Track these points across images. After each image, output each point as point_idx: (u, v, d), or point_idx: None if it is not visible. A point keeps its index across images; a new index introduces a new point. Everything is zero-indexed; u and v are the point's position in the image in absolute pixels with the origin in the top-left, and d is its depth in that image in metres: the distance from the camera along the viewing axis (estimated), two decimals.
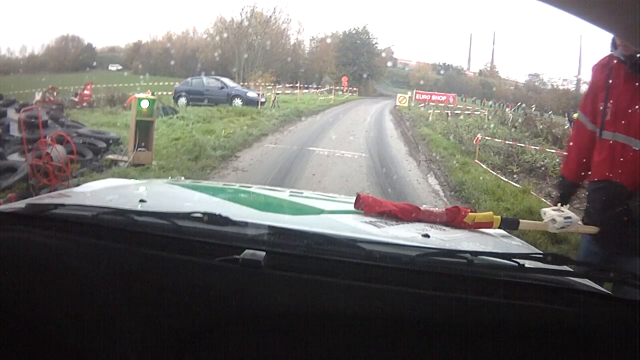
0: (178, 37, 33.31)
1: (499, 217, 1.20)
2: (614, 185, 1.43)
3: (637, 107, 1.37)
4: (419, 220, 1.12)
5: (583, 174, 1.64)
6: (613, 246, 1.42)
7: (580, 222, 1.35)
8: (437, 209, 1.20)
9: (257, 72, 27.48)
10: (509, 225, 1.23)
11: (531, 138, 10.86)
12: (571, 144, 1.75)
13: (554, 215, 1.29)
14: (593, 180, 1.55)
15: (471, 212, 1.17)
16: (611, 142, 1.45)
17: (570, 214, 1.29)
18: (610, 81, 1.48)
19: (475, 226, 1.17)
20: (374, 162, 7.38)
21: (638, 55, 1.35)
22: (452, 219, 1.16)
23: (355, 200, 1.15)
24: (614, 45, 1.48)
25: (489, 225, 1.19)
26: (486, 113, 16.79)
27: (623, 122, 1.42)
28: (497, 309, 0.69)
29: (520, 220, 1.26)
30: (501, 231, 1.26)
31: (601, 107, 1.49)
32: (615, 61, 1.49)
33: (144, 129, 5.99)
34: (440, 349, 0.67)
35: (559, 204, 1.41)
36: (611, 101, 1.46)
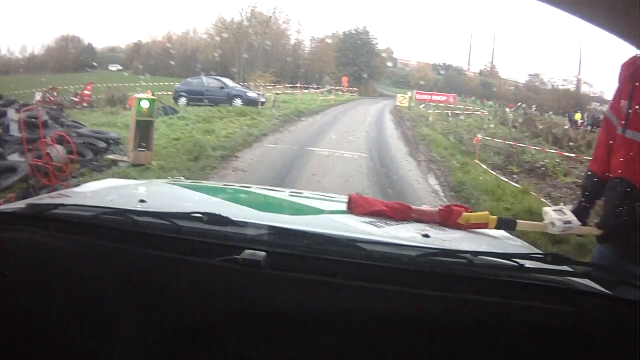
0: (178, 37, 33.29)
1: (495, 217, 1.17)
2: (626, 183, 1.43)
3: None
4: (410, 220, 1.11)
5: (608, 173, 1.60)
6: (624, 248, 1.39)
7: (580, 225, 1.31)
8: (429, 208, 1.18)
9: (257, 72, 27.44)
10: (506, 225, 1.20)
11: (531, 138, 10.86)
12: (599, 139, 1.72)
13: (554, 218, 1.26)
14: (610, 179, 1.54)
15: (466, 211, 1.14)
16: (631, 141, 1.45)
17: (571, 217, 1.26)
18: (637, 82, 1.46)
19: (470, 227, 1.14)
20: (374, 162, 7.38)
21: None
22: (445, 220, 1.12)
23: (347, 203, 1.13)
24: None
25: (484, 225, 1.16)
26: (486, 113, 16.81)
27: None
28: (497, 309, 0.69)
29: (518, 221, 1.23)
30: (501, 231, 1.26)
31: (623, 105, 1.49)
32: None
33: (144, 129, 5.98)
34: (440, 349, 0.67)
35: (562, 204, 1.40)
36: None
